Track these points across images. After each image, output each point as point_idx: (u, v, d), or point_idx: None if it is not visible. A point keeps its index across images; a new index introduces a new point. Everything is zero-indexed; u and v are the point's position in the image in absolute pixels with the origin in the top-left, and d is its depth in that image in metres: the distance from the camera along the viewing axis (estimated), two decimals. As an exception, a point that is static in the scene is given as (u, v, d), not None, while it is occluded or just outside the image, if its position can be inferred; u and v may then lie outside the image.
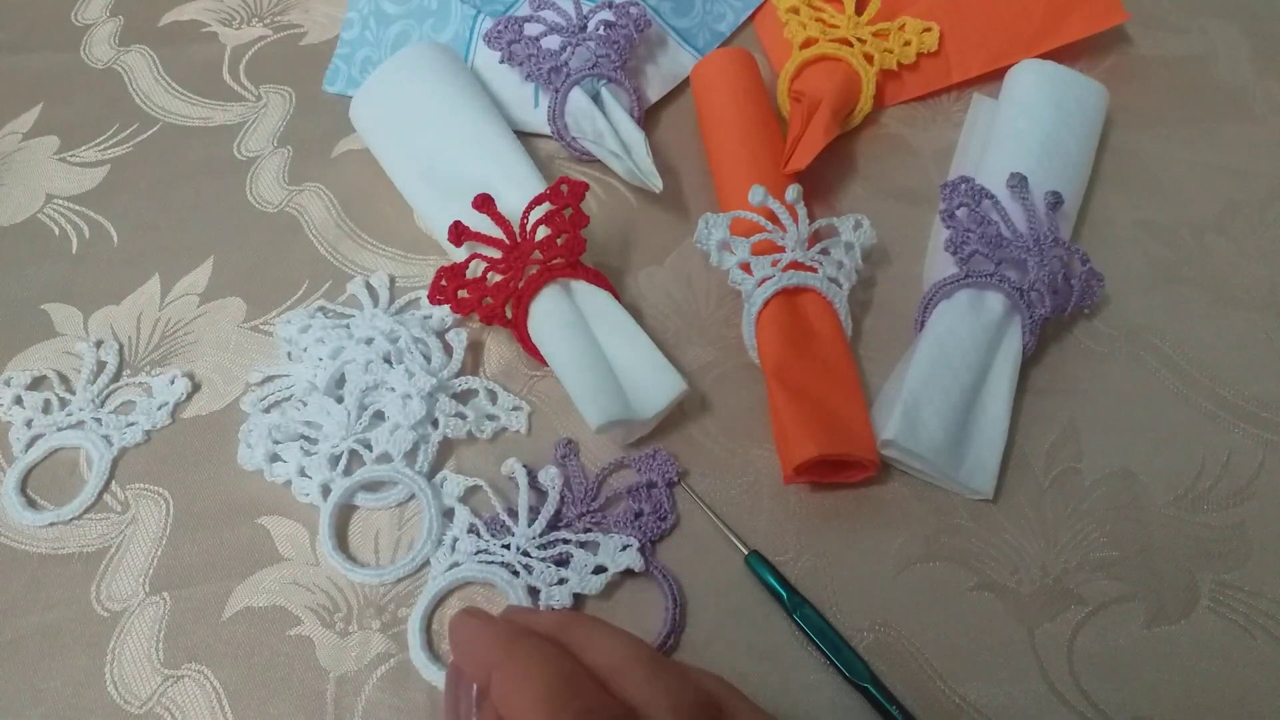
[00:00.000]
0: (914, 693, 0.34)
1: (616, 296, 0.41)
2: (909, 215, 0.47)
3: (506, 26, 0.49)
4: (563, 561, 0.37)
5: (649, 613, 0.36)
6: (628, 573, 0.36)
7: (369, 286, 0.44)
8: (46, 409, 0.41)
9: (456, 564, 0.37)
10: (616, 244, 0.46)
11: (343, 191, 0.48)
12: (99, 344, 0.43)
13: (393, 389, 0.40)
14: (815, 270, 0.41)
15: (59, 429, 0.40)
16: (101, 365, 0.42)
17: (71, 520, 0.38)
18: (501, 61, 0.49)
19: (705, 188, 0.48)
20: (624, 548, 0.36)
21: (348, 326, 0.42)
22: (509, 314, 0.41)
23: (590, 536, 0.37)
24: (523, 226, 0.41)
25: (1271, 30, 0.55)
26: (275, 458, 0.39)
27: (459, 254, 0.43)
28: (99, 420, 0.41)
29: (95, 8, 0.57)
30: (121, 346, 0.43)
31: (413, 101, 0.46)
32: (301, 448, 0.39)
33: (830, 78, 0.48)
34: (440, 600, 0.36)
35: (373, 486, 0.39)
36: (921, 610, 0.36)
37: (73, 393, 0.42)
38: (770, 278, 0.41)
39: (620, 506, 0.38)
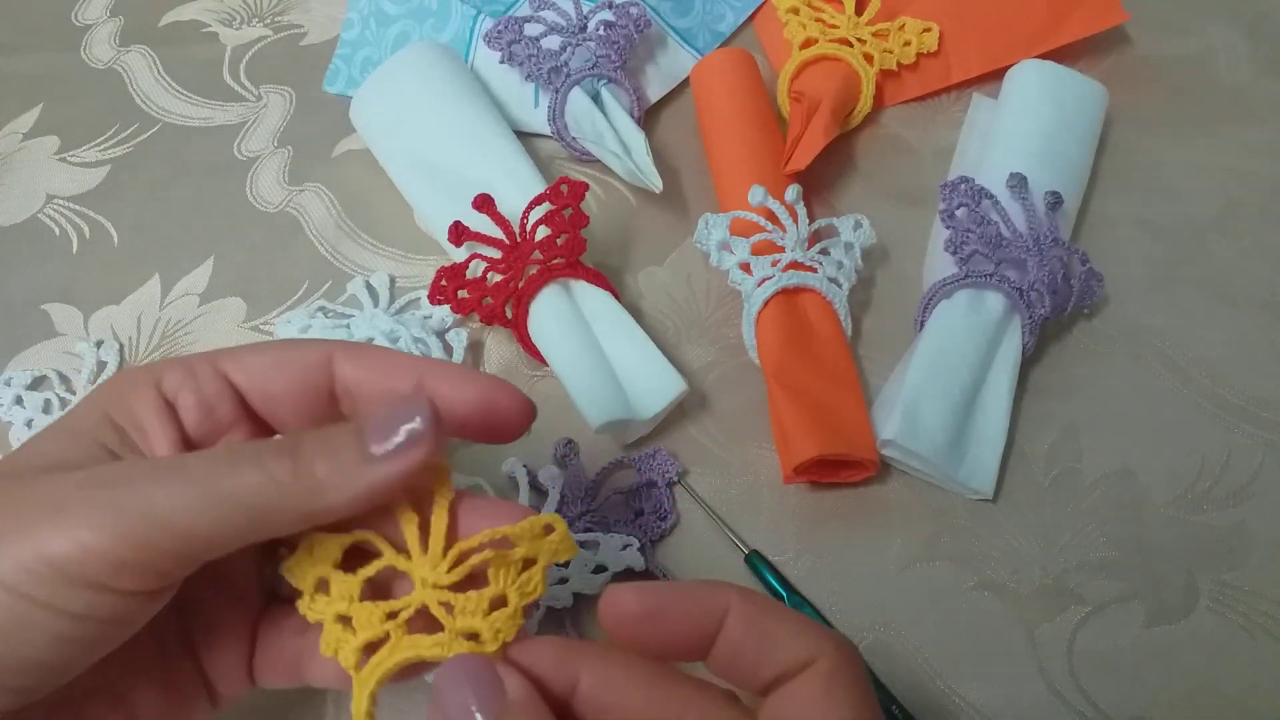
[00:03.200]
0: (913, 692, 0.35)
1: (616, 296, 0.41)
2: (909, 215, 0.47)
3: (507, 27, 0.49)
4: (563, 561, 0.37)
5: (649, 612, 0.36)
6: (628, 572, 0.36)
7: (369, 286, 0.44)
8: (47, 409, 0.41)
9: (456, 564, 0.37)
10: (616, 244, 0.46)
11: (343, 192, 0.48)
12: (99, 344, 0.43)
13: (393, 389, 0.40)
14: (815, 270, 0.41)
15: (59, 429, 0.40)
16: (102, 365, 0.42)
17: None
18: (502, 62, 0.49)
19: (705, 188, 0.48)
20: (624, 547, 0.36)
21: (348, 326, 0.42)
22: (509, 314, 0.41)
23: (590, 536, 0.37)
24: (523, 226, 0.41)
25: (1272, 30, 0.55)
26: (275, 458, 0.39)
27: (459, 254, 0.43)
28: (99, 420, 0.41)
29: (95, 8, 0.57)
30: (122, 346, 0.43)
31: (413, 101, 0.46)
32: (302, 448, 0.39)
33: (830, 78, 0.48)
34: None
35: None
36: (921, 610, 0.36)
37: (73, 393, 0.42)
38: (770, 278, 0.41)
39: (620, 506, 0.39)
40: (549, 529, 0.24)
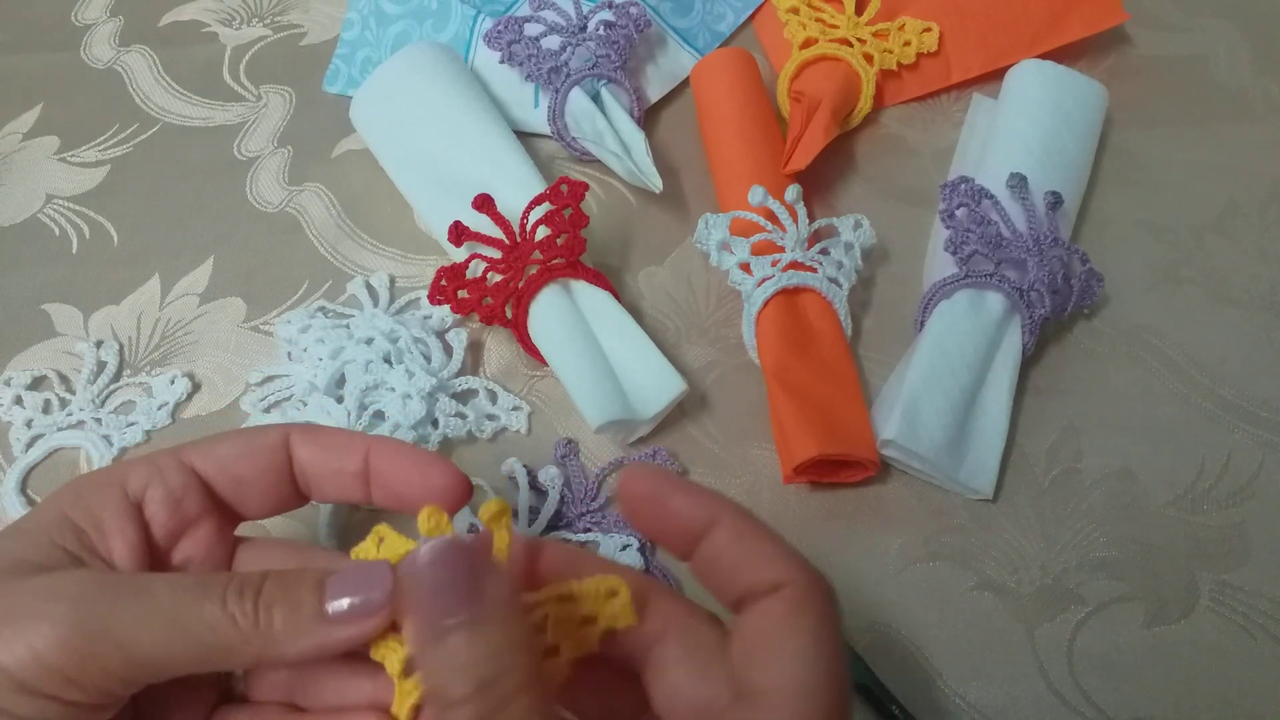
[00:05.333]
0: (914, 693, 0.35)
1: (616, 296, 0.41)
2: (909, 215, 0.47)
3: (506, 26, 0.49)
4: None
5: (649, 612, 0.36)
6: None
7: (369, 286, 0.44)
8: (47, 409, 0.41)
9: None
10: (616, 244, 0.46)
11: (343, 191, 0.48)
12: (99, 344, 0.43)
13: (393, 389, 0.40)
14: (815, 270, 0.41)
15: (59, 429, 0.40)
16: (101, 365, 0.42)
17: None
18: (501, 61, 0.49)
19: (705, 188, 0.48)
20: (624, 547, 0.36)
21: (348, 326, 0.42)
22: (509, 314, 0.41)
23: (590, 536, 0.37)
24: (522, 226, 0.41)
25: (1271, 30, 0.55)
26: (275, 458, 0.39)
27: (459, 254, 0.43)
28: (99, 420, 0.41)
29: (95, 8, 0.57)
30: (121, 346, 0.43)
31: (413, 101, 0.46)
32: (301, 448, 0.39)
33: (830, 78, 0.48)
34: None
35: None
36: (921, 610, 0.36)
37: (73, 393, 0.42)
38: (770, 278, 0.41)
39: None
40: (613, 593, 0.24)
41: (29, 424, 0.40)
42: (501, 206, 0.41)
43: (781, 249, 0.42)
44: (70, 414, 0.41)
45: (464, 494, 0.27)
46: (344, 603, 0.23)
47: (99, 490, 0.26)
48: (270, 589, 0.24)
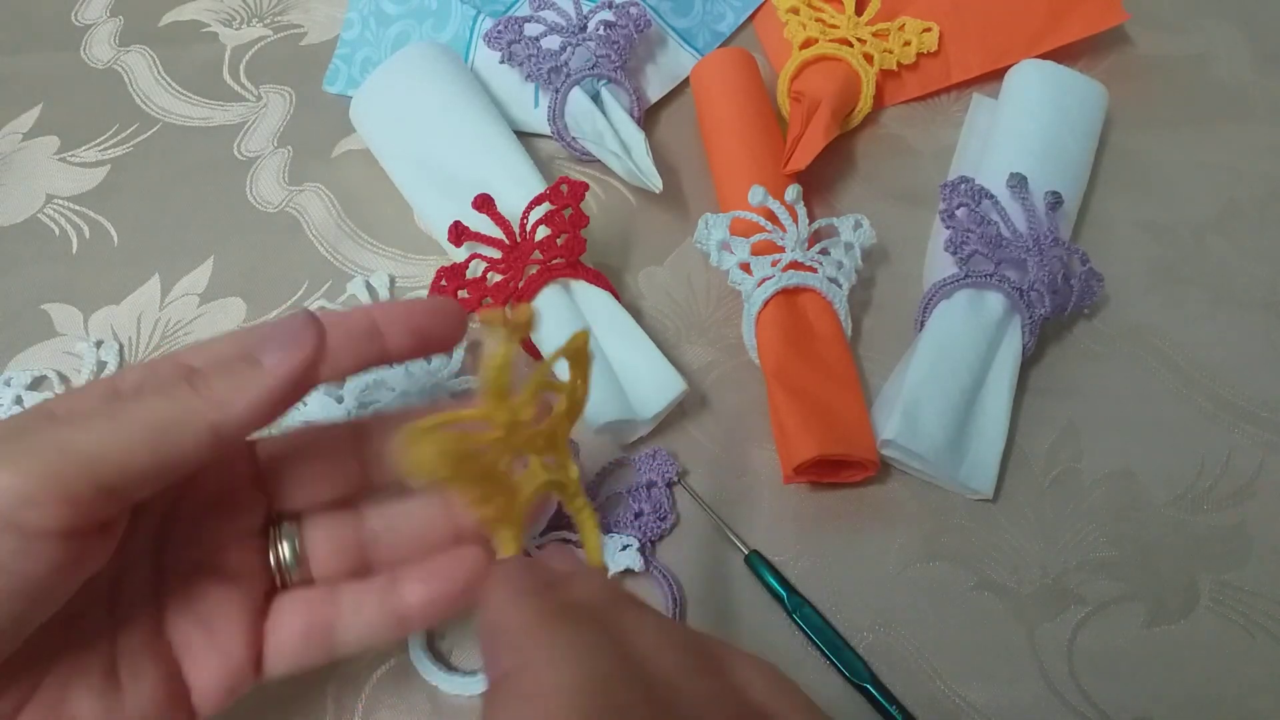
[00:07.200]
0: (914, 692, 0.35)
1: (616, 296, 0.41)
2: (909, 215, 0.47)
3: (506, 27, 0.49)
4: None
5: (649, 612, 0.36)
6: (627, 572, 0.36)
7: (369, 287, 0.44)
8: (47, 409, 0.41)
9: (456, 564, 0.36)
10: (616, 244, 0.46)
11: (343, 192, 0.48)
12: (99, 344, 0.43)
13: (392, 389, 0.40)
14: (815, 270, 0.41)
15: (59, 429, 0.40)
16: (102, 365, 0.42)
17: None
18: (501, 62, 0.49)
19: (705, 188, 0.48)
20: (624, 547, 0.36)
21: (348, 326, 0.42)
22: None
23: (590, 536, 0.37)
24: (522, 226, 0.41)
25: (1271, 30, 0.55)
26: (275, 458, 0.39)
27: (459, 254, 0.43)
28: (99, 420, 0.41)
29: (95, 8, 0.57)
30: (122, 347, 0.43)
31: (413, 101, 0.46)
32: (301, 448, 0.39)
33: (830, 78, 0.48)
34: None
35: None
36: (921, 610, 0.36)
37: (73, 393, 0.42)
38: (770, 278, 0.41)
39: (620, 506, 0.38)
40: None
41: (29, 424, 0.40)
42: (501, 206, 0.41)
43: (781, 249, 0.42)
44: (70, 414, 0.41)
45: (462, 324, 0.29)
46: (274, 346, 0.24)
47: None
48: (206, 367, 0.25)
